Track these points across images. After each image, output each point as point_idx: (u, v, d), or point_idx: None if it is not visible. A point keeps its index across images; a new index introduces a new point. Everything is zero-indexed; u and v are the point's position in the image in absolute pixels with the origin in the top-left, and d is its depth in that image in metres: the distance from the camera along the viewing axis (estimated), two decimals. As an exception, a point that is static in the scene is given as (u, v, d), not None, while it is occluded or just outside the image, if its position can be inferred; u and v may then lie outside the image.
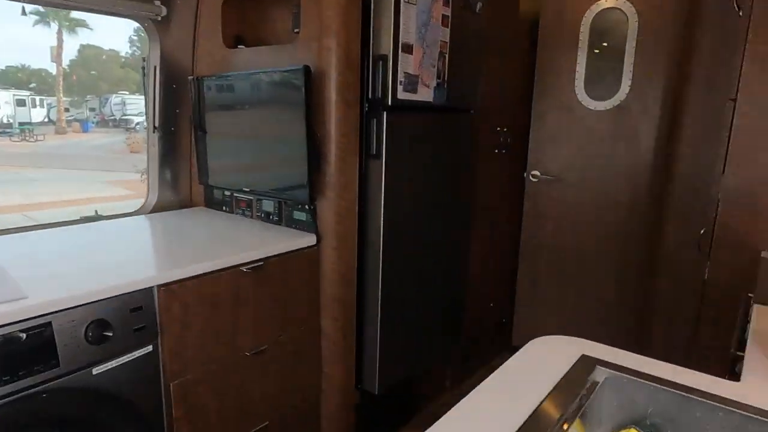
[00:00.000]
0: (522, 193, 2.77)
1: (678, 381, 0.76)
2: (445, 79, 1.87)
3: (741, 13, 1.61)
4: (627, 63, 2.44)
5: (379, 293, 1.79)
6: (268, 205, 1.85)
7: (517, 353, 0.84)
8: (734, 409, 0.69)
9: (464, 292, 2.30)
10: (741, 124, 1.63)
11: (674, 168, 2.20)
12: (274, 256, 1.55)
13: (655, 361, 0.83)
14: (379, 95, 1.65)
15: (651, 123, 2.43)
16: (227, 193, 2.01)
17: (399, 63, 1.63)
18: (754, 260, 1.63)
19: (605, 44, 2.51)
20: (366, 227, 1.77)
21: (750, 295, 1.52)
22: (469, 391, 0.74)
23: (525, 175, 2.75)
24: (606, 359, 0.82)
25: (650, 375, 0.77)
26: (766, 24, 1.55)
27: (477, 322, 2.57)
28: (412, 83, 1.71)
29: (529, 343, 0.88)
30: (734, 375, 1.12)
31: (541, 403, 0.70)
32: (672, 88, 2.29)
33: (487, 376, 0.78)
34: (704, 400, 0.71)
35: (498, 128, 2.46)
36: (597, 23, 2.49)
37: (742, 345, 1.19)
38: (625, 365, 0.80)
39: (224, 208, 2.04)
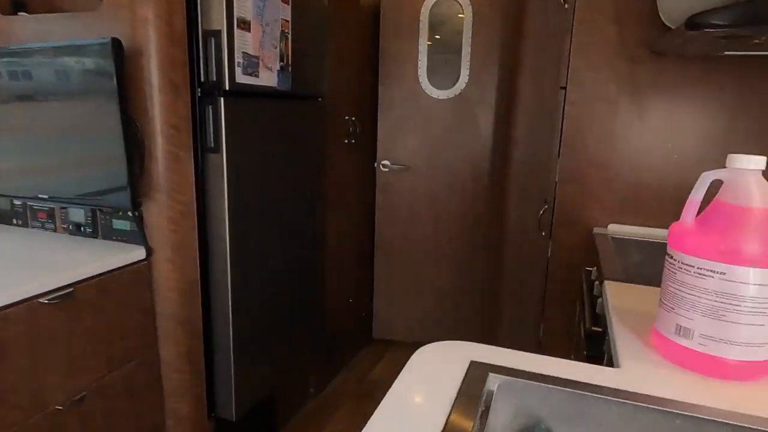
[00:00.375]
0: (374, 183, 2.72)
1: (566, 376, 0.72)
2: (289, 62, 1.69)
3: (567, 6, 1.72)
4: (465, 53, 2.52)
5: (230, 305, 1.57)
6: (77, 215, 1.49)
7: (406, 369, 0.73)
8: (626, 401, 0.66)
9: (323, 291, 2.16)
10: (570, 111, 1.75)
11: (511, 153, 2.33)
12: (88, 279, 1.23)
13: (543, 357, 0.79)
14: (214, 78, 1.42)
15: (488, 111, 2.55)
16: (18, 202, 1.58)
17: (235, 41, 1.41)
18: (588, 236, 1.76)
19: (444, 34, 2.56)
20: (208, 232, 1.53)
21: (588, 269, 1.64)
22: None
23: (375, 165, 2.70)
24: (495, 363, 0.76)
25: (541, 375, 0.72)
26: (588, 17, 1.67)
27: (337, 320, 2.46)
28: (252, 65, 1.50)
29: (416, 354, 0.77)
30: (596, 354, 1.16)
31: (445, 427, 0.59)
32: (506, 78, 2.42)
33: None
34: (597, 395, 0.68)
35: (346, 117, 2.36)
36: (435, 13, 2.53)
37: (596, 321, 1.25)
38: (515, 367, 0.74)
39: (16, 221, 1.60)
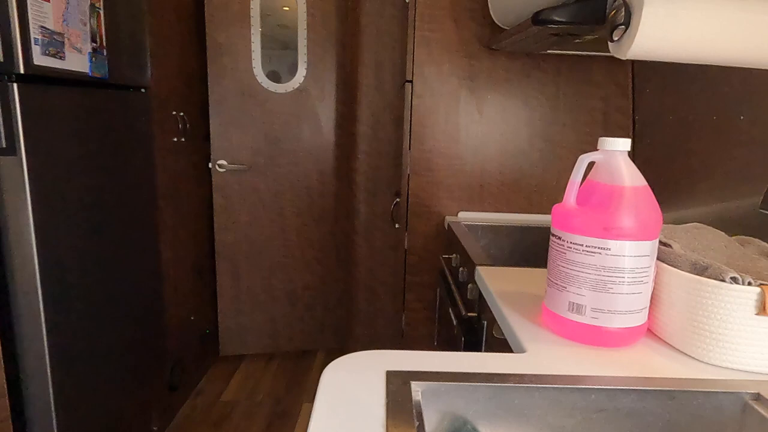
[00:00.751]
0: (211, 185, 2.47)
1: (482, 370, 0.70)
2: (103, 43, 1.40)
3: (407, 1, 1.75)
4: (301, 45, 2.42)
5: (46, 348, 1.24)
6: None
7: (320, 394, 0.62)
8: (546, 385, 0.66)
9: (163, 317, 1.88)
10: (417, 104, 1.78)
11: (357, 147, 2.31)
12: None
13: (453, 354, 0.76)
14: (1, 58, 1.09)
15: (330, 106, 2.50)
16: None
17: (29, 10, 1.11)
18: (441, 225, 1.83)
19: (279, 25, 2.42)
20: (7, 257, 1.18)
21: (446, 256, 1.70)
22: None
23: (210, 165, 2.45)
24: (412, 369, 0.70)
25: (461, 374, 0.69)
26: (428, 12, 1.72)
27: (178, 341, 2.17)
28: (55, 44, 1.20)
29: (324, 375, 0.67)
30: (474, 340, 1.19)
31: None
32: (346, 72, 2.39)
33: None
34: (518, 384, 0.66)
35: (174, 112, 2.08)
36: (268, 2, 2.38)
37: (468, 307, 1.28)
38: (431, 369, 0.69)
39: None
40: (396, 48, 2.17)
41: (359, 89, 2.25)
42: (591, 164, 0.82)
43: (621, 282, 0.76)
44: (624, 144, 0.79)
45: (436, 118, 1.79)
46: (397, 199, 1.96)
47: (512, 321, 0.88)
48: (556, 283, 0.82)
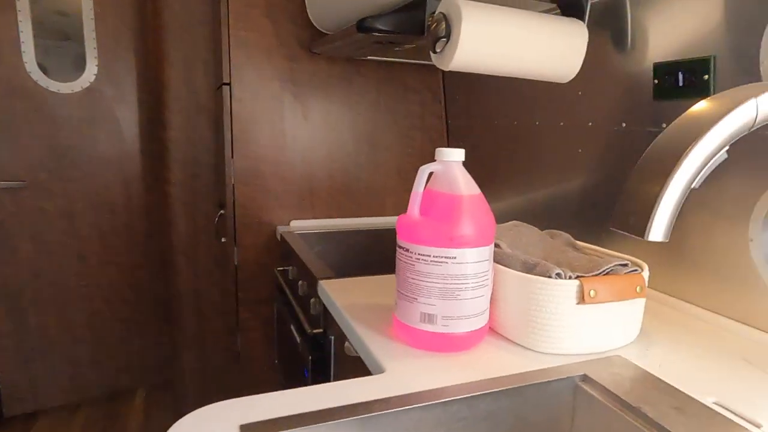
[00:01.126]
0: (-27, 209, 1.97)
1: (344, 402, 0.65)
2: None
3: (218, -4, 1.61)
4: (88, 38, 2.07)
5: None
6: None
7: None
8: (413, 405, 0.65)
9: None
10: (238, 108, 1.66)
11: (169, 156, 2.07)
12: None
13: (307, 389, 0.69)
14: None
15: (131, 108, 2.19)
16: None
17: None
18: (273, 236, 1.74)
19: (57, 11, 2.03)
20: None
21: (281, 269, 1.62)
22: None
23: (-29, 183, 1.96)
24: (267, 417, 0.62)
25: (323, 411, 0.63)
26: (243, 9, 1.60)
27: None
28: None
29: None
30: (322, 357, 1.14)
31: None
32: (149, 71, 2.12)
33: None
34: (387, 411, 0.63)
35: None
36: (37, -18, 1.97)
37: (313, 323, 1.22)
38: (289, 413, 0.62)
39: None
40: (209, 47, 1.99)
41: (167, 90, 2.01)
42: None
43: (466, 288, 0.79)
44: (459, 154, 0.82)
45: (260, 124, 1.69)
46: (222, 211, 1.80)
47: (365, 337, 0.86)
48: (407, 295, 0.82)
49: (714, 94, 0.91)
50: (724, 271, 0.93)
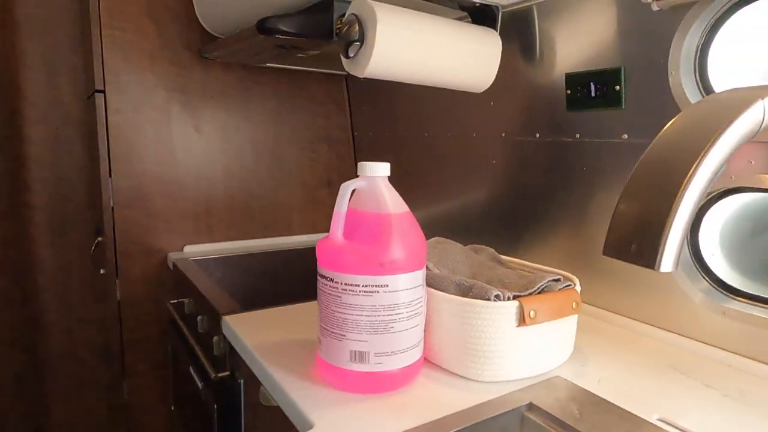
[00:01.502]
0: None
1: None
2: None
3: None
4: None
5: None
6: None
7: None
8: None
9: None
10: (115, 120, 1.44)
11: (28, 176, 1.76)
12: None
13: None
14: None
15: (-23, 121, 1.83)
16: None
17: None
18: (164, 265, 1.53)
19: None
20: None
21: (174, 302, 1.43)
22: None
23: None
24: None
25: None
26: (118, 6, 1.39)
27: None
28: None
29: None
30: (231, 404, 0.99)
31: None
32: (1, 73, 1.79)
33: None
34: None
35: None
36: None
37: (217, 365, 1.06)
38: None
39: None
40: (76, 49, 1.72)
41: (23, 99, 1.71)
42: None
43: (400, 318, 0.70)
44: (384, 168, 0.73)
45: (144, 138, 1.48)
46: (99, 238, 1.55)
47: (284, 383, 0.73)
48: (333, 332, 0.71)
49: (625, 105, 0.93)
50: (637, 278, 0.94)
